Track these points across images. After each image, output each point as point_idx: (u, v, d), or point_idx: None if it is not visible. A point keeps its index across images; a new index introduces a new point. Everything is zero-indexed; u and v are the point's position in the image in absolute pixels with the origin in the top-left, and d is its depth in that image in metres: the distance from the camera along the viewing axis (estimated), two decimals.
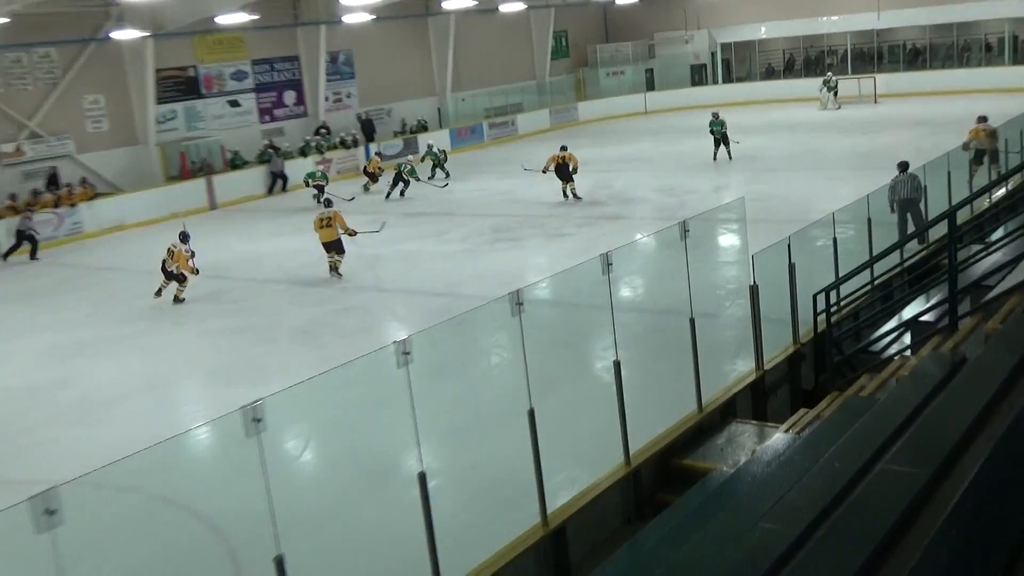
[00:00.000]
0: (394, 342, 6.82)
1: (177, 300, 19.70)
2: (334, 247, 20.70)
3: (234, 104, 37.07)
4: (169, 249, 19.86)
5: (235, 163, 35.45)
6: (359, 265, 20.96)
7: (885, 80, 47.20)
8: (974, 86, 44.61)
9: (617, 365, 8.90)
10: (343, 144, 38.63)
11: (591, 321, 11.60)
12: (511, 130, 45.75)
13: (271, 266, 22.34)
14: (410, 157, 34.59)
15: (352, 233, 20.96)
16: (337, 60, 40.89)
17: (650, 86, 53.17)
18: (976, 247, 11.55)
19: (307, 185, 31.96)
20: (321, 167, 35.74)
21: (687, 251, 10.02)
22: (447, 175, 33.53)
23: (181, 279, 19.78)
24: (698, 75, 53.60)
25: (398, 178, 30.99)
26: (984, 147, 21.55)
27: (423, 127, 42.85)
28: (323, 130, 39.23)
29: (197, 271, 19.82)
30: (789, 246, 11.69)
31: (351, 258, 21.29)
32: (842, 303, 12.31)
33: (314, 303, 18.45)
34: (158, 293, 20.05)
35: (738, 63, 53.65)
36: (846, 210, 14.89)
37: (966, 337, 9.61)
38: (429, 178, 33.03)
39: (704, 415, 10.38)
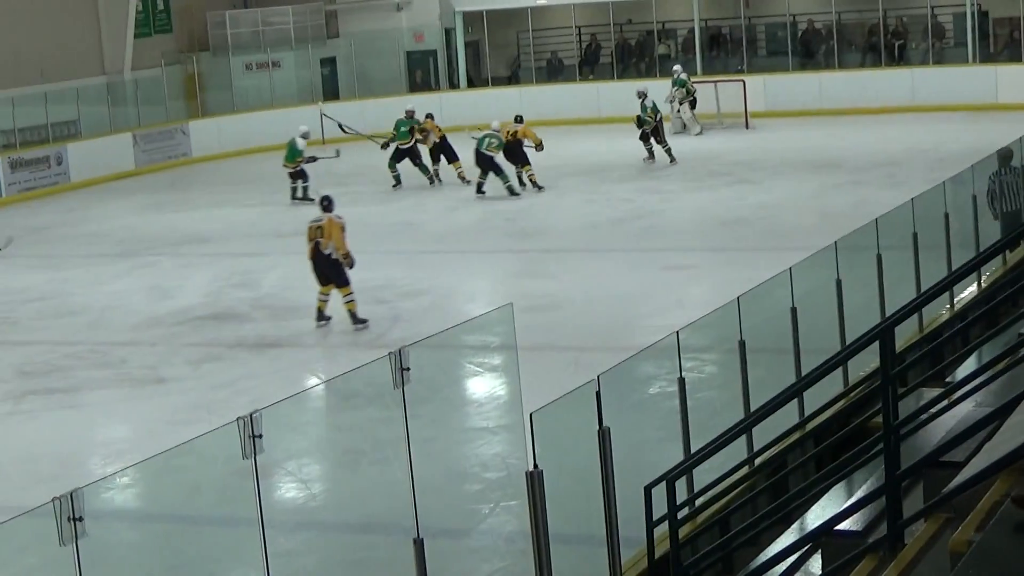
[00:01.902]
0: None
1: None
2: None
3: None
4: None
5: None
6: None
7: (761, 85, 30.11)
8: (915, 99, 29.00)
9: None
10: None
11: None
12: (53, 176, 26.00)
13: None
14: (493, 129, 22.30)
15: None
16: None
17: (331, 91, 33.03)
18: (931, 391, 7.03)
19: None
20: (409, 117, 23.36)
21: (407, 409, 6.44)
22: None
23: None
24: (423, 71, 34.01)
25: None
26: None
27: None
28: None
29: None
30: (599, 395, 7.11)
31: None
32: (699, 501, 7.66)
33: None
34: None
35: (495, 50, 34.24)
36: (702, 327, 9.27)
37: (919, 559, 6.06)
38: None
39: None
